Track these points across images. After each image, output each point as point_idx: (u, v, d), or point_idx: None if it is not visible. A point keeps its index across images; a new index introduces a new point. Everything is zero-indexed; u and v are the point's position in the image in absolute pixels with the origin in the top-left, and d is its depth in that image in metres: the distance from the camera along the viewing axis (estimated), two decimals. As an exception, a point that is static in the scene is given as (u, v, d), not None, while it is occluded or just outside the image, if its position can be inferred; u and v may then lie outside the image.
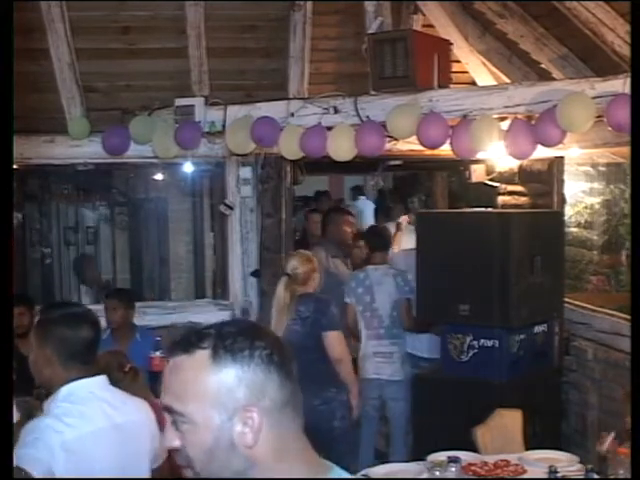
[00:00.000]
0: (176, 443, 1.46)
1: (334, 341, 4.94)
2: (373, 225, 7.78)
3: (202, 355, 1.45)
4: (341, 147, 5.48)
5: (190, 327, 1.61)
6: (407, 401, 5.75)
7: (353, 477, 1.63)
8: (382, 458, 5.80)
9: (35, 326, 2.78)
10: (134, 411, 2.84)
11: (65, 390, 2.68)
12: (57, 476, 2.50)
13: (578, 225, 6.75)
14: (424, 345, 6.04)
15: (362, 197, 11.39)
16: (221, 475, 1.44)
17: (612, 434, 3.73)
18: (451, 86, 5.60)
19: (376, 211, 10.07)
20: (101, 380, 2.79)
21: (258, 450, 1.44)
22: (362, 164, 6.94)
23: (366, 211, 10.70)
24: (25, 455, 2.44)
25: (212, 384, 1.43)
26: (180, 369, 1.46)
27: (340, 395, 4.99)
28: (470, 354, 5.32)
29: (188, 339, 1.48)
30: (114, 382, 3.02)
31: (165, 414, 1.49)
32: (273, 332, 1.62)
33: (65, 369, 2.70)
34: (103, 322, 5.46)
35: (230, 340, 1.45)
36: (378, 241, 6.30)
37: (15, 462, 2.40)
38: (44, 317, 2.79)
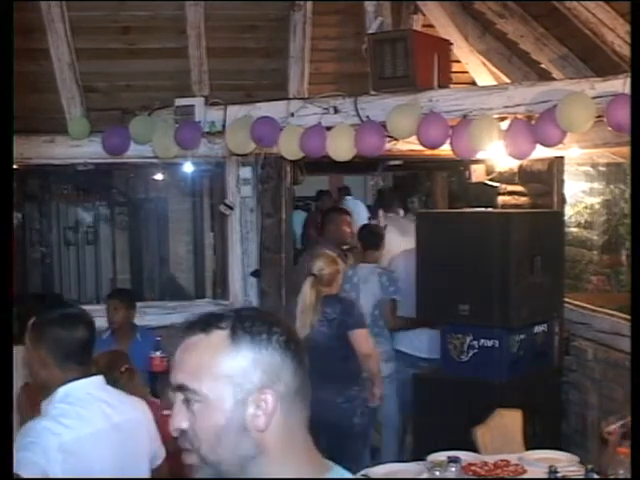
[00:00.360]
0: (184, 424, 1.45)
1: (362, 338, 5.11)
2: (366, 224, 7.78)
3: (220, 335, 1.45)
4: (341, 147, 5.48)
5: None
6: (395, 400, 5.71)
7: (354, 477, 1.62)
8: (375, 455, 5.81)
9: (29, 328, 2.76)
10: (132, 410, 2.85)
11: (62, 391, 2.67)
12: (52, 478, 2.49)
13: (578, 225, 6.75)
14: (424, 345, 6.04)
15: (349, 197, 11.39)
16: (228, 461, 1.43)
17: (621, 422, 3.73)
18: (451, 86, 5.60)
19: (371, 210, 10.11)
20: (98, 380, 2.79)
21: (267, 436, 1.44)
22: (362, 164, 6.94)
23: (354, 211, 10.67)
24: (21, 458, 2.43)
25: (228, 364, 1.43)
26: (197, 348, 1.46)
27: (362, 393, 5.14)
28: (470, 354, 5.32)
29: (206, 319, 1.48)
30: (112, 382, 3.02)
31: (176, 394, 1.47)
32: (288, 323, 1.62)
33: (61, 370, 2.70)
34: (104, 322, 5.47)
35: (249, 323, 1.46)
36: (369, 239, 6.42)
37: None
38: (38, 318, 2.77)
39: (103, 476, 2.65)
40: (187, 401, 1.45)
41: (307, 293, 5.10)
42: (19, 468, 2.40)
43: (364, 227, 7.02)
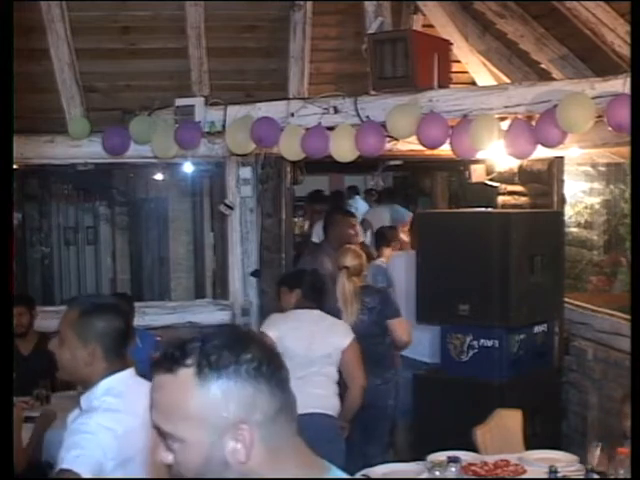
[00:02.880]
0: (169, 459, 1.43)
1: (401, 326, 5.43)
2: (383, 226, 7.84)
3: (186, 374, 1.40)
4: (343, 148, 5.48)
5: (176, 340, 1.55)
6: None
7: (351, 477, 1.61)
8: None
9: (72, 323, 2.70)
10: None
11: (105, 384, 2.64)
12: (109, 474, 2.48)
13: (578, 225, 6.75)
14: (426, 350, 6.01)
15: (357, 197, 11.38)
16: None
17: (599, 445, 3.74)
18: (451, 86, 5.60)
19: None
20: (131, 372, 2.75)
21: (251, 464, 1.41)
22: (362, 164, 6.95)
23: (361, 211, 10.68)
24: (76, 456, 2.42)
25: (199, 403, 1.39)
26: (165, 389, 1.42)
27: (396, 376, 5.52)
28: (470, 354, 5.32)
29: (172, 357, 1.42)
30: None
31: (155, 432, 1.45)
32: (262, 340, 1.57)
33: (108, 363, 2.66)
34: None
35: (215, 356, 1.40)
36: (380, 240, 6.92)
37: (60, 465, 2.41)
38: (81, 313, 2.70)
39: (141, 467, 2.60)
40: (164, 439, 1.43)
41: (345, 285, 5.30)
42: (76, 465, 2.39)
43: (380, 229, 7.38)
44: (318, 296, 4.85)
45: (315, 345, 4.64)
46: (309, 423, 4.40)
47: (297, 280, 4.95)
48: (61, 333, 2.74)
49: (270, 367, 1.44)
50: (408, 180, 12.04)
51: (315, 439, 4.09)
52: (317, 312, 4.78)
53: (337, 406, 4.68)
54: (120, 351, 2.72)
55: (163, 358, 1.44)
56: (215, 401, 1.39)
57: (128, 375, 2.72)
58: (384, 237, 7.03)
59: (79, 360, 2.68)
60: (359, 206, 10.95)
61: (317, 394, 4.53)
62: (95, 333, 2.66)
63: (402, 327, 5.44)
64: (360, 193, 11.70)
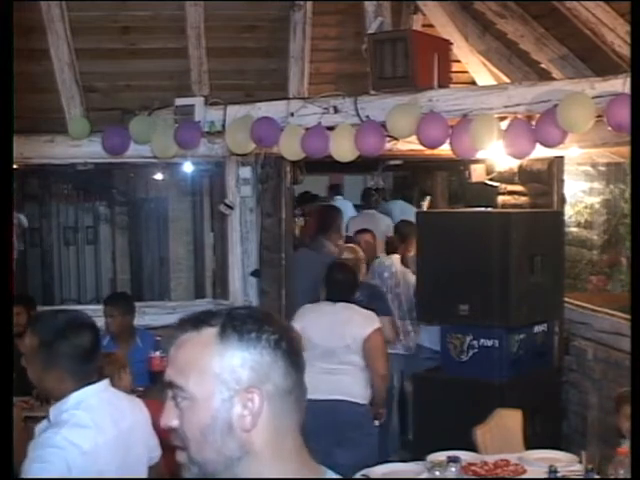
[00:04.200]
0: (174, 422, 1.44)
1: (387, 325, 5.42)
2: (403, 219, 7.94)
3: (209, 332, 1.44)
4: (343, 147, 5.47)
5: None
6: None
7: (349, 478, 1.60)
8: None
9: (33, 351, 2.65)
10: (132, 411, 2.84)
11: (76, 397, 2.62)
12: None
13: (578, 225, 6.75)
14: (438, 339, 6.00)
15: (339, 197, 11.39)
16: (213, 461, 1.42)
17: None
18: (451, 86, 5.60)
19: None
20: (105, 384, 2.76)
21: (254, 436, 1.41)
22: (362, 164, 6.95)
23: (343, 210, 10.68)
24: (40, 469, 2.40)
25: (216, 362, 1.42)
26: (186, 345, 1.45)
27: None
28: (470, 354, 5.32)
29: (198, 316, 1.47)
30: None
31: (166, 391, 1.47)
32: (285, 322, 1.61)
33: (77, 380, 2.64)
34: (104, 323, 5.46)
35: (239, 321, 1.44)
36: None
37: (23, 477, 2.39)
38: (41, 342, 2.63)
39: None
40: (175, 398, 1.45)
41: None
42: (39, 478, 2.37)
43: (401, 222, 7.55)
44: (344, 291, 5.03)
45: (333, 336, 4.83)
46: (333, 409, 4.66)
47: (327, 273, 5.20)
48: (25, 356, 2.70)
49: (290, 345, 1.46)
50: (408, 180, 12.02)
51: (340, 424, 4.24)
52: (341, 304, 4.97)
53: (366, 394, 4.86)
54: (89, 366, 2.68)
55: (189, 318, 1.48)
56: (232, 362, 1.41)
57: (102, 388, 2.71)
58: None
59: (46, 382, 2.66)
60: (337, 204, 10.94)
61: (342, 382, 4.75)
62: (58, 359, 2.61)
63: (388, 326, 5.46)
64: (343, 193, 11.67)
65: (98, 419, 2.62)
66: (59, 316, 2.76)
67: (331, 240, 6.63)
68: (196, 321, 1.46)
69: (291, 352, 1.46)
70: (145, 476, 2.86)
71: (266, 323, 1.46)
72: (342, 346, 4.82)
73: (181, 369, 1.44)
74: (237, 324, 1.44)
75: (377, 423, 5.06)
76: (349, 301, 5.03)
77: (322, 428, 4.34)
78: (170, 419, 1.45)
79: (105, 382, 2.78)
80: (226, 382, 1.41)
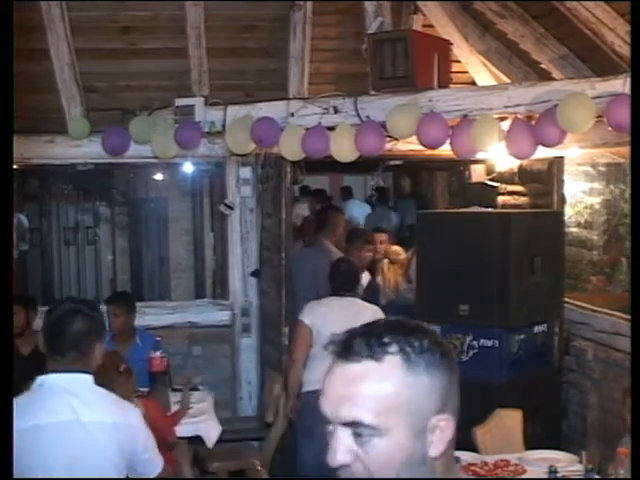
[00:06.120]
0: (349, 459, 1.33)
1: None
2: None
3: (392, 362, 1.32)
4: (343, 147, 5.47)
5: (347, 332, 1.43)
6: None
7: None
8: None
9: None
10: (114, 415, 2.77)
11: (39, 380, 2.74)
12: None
13: (578, 225, 6.74)
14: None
15: (352, 200, 11.43)
16: None
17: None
18: (451, 86, 5.60)
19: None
20: (81, 378, 2.77)
21: (439, 461, 1.35)
22: (362, 164, 6.95)
23: (354, 212, 10.74)
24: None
25: (406, 393, 1.32)
26: (368, 379, 1.32)
27: None
28: (470, 354, 5.32)
29: (368, 344, 1.33)
30: (108, 382, 3.01)
31: (339, 427, 1.34)
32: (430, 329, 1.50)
33: (49, 359, 2.79)
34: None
35: (418, 344, 1.34)
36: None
37: None
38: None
39: (53, 468, 2.64)
40: (359, 435, 1.32)
41: None
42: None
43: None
44: (350, 284, 5.23)
45: (344, 329, 4.79)
46: None
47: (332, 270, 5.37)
48: None
49: (454, 359, 1.40)
50: (408, 180, 12.03)
51: None
52: (349, 298, 5.16)
53: None
54: (64, 353, 2.79)
55: (355, 346, 1.34)
56: (421, 391, 1.33)
57: (70, 378, 2.77)
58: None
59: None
60: (349, 205, 10.99)
61: None
62: (42, 330, 2.91)
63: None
64: (354, 195, 11.72)
65: (50, 403, 2.70)
66: (61, 302, 3.01)
67: (329, 239, 6.67)
68: (369, 350, 1.33)
69: (455, 365, 1.39)
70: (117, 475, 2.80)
71: (432, 337, 1.37)
72: None
73: (367, 405, 1.32)
74: (417, 347, 1.34)
75: None
76: (354, 294, 5.24)
77: None
78: (345, 456, 1.33)
79: (85, 376, 2.77)
80: (418, 413, 1.32)
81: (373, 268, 6.78)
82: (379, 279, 6.76)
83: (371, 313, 5.08)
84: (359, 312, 5.02)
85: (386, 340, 1.34)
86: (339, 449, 1.33)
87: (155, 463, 2.92)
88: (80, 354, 2.78)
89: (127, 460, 2.79)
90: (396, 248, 7.25)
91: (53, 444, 2.66)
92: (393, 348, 1.33)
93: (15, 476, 2.48)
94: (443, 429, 1.34)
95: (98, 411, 2.74)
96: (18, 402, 2.66)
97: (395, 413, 1.31)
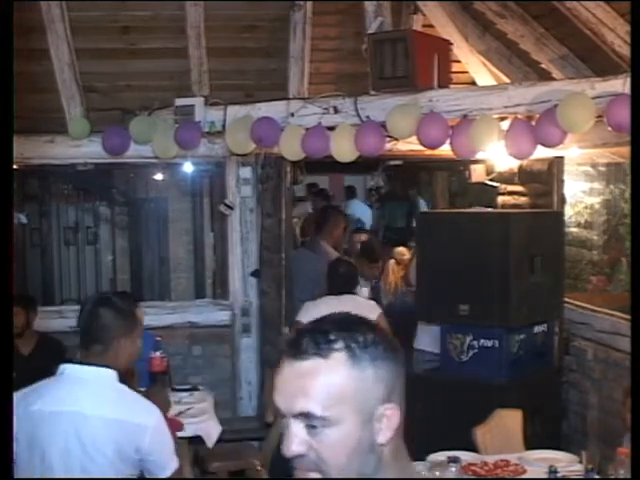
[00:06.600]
0: (303, 449, 1.41)
1: (382, 318, 5.55)
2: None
3: (338, 357, 1.41)
4: (343, 147, 5.47)
5: (299, 329, 1.54)
6: None
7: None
8: None
9: None
10: (120, 411, 2.77)
11: (61, 367, 2.78)
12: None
13: (578, 225, 6.74)
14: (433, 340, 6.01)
15: (355, 200, 11.44)
16: (353, 477, 1.42)
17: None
18: (451, 86, 5.60)
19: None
20: (103, 372, 2.78)
21: (387, 448, 1.43)
22: (362, 164, 6.95)
23: (358, 212, 10.75)
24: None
25: (353, 386, 1.41)
26: (316, 373, 1.41)
27: None
28: (470, 354, 5.32)
29: (315, 341, 1.42)
30: None
31: (292, 420, 1.42)
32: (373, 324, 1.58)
33: (79, 351, 2.86)
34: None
35: (362, 337, 1.43)
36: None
37: None
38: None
39: (49, 454, 2.70)
40: (311, 427, 1.41)
41: None
42: None
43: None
44: (349, 286, 5.36)
45: None
46: None
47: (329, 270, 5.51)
48: None
49: (398, 349, 1.48)
50: (408, 180, 12.03)
51: None
52: (346, 295, 5.31)
53: None
54: (85, 344, 2.86)
55: (304, 343, 1.43)
56: (367, 382, 1.41)
57: (87, 370, 2.83)
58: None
59: None
60: (351, 205, 11.00)
61: None
62: None
63: (382, 319, 5.64)
64: (357, 194, 11.73)
65: (58, 390, 2.74)
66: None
67: (326, 240, 6.72)
68: (317, 347, 1.42)
69: (401, 356, 1.48)
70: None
71: (375, 331, 1.46)
72: None
73: (316, 398, 1.40)
74: (361, 342, 1.42)
75: None
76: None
77: None
78: (299, 446, 1.41)
79: (108, 371, 2.79)
80: (365, 403, 1.41)
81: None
82: (382, 280, 6.88)
83: (367, 306, 5.24)
84: (356, 306, 5.03)
85: (332, 337, 1.42)
86: (293, 440, 1.41)
87: (161, 467, 2.87)
88: (103, 348, 2.81)
89: (127, 458, 2.76)
90: (402, 249, 7.30)
91: (51, 431, 2.70)
92: (339, 344, 1.41)
93: (15, 453, 2.61)
94: (390, 417, 1.42)
95: (102, 406, 2.74)
96: (37, 385, 2.76)
97: (343, 404, 1.40)
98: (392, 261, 7.15)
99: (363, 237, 7.36)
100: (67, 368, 2.78)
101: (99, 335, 2.81)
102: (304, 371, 1.41)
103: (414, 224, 9.58)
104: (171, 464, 2.88)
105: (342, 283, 5.32)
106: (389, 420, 1.42)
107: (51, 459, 2.70)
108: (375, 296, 6.35)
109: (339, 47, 6.41)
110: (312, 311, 5.16)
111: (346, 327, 1.45)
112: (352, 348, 1.41)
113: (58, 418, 2.70)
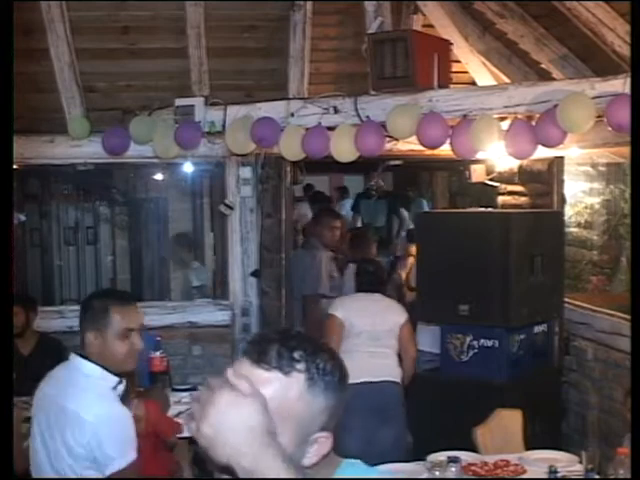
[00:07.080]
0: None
1: None
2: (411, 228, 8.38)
3: (297, 378, 1.44)
4: (343, 147, 5.47)
5: (262, 334, 1.55)
6: None
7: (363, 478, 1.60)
8: None
9: None
10: (74, 403, 2.83)
11: (72, 355, 2.97)
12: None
13: (578, 225, 6.75)
14: (433, 341, 6.02)
15: (347, 199, 11.45)
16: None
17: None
18: (451, 86, 5.59)
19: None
20: (78, 362, 2.91)
21: (308, 471, 1.45)
22: (362, 164, 6.96)
23: (349, 212, 10.79)
24: None
25: (301, 408, 1.43)
26: (272, 385, 1.43)
27: None
28: (470, 354, 5.32)
29: (279, 355, 1.44)
30: None
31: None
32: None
33: None
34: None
35: (322, 364, 1.46)
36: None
37: None
38: None
39: (39, 433, 2.91)
40: None
41: None
42: None
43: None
44: (376, 281, 5.49)
45: (378, 322, 5.27)
46: (382, 389, 5.14)
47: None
48: None
49: (345, 379, 1.51)
50: (408, 180, 12.04)
51: (387, 403, 4.89)
52: (377, 295, 5.44)
53: (400, 374, 5.30)
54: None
55: (269, 354, 1.44)
56: (314, 409, 1.44)
57: (92, 367, 2.94)
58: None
59: None
60: (345, 206, 11.02)
61: (386, 364, 5.21)
62: None
63: None
64: (350, 195, 11.74)
65: (56, 380, 2.94)
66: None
67: (320, 241, 6.76)
68: (280, 361, 1.44)
69: (347, 380, 1.51)
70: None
71: (335, 360, 1.49)
72: (386, 330, 5.25)
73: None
74: (321, 369, 1.45)
75: None
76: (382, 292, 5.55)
77: (373, 408, 4.94)
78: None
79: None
80: (306, 427, 1.43)
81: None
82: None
83: (398, 307, 5.46)
84: (388, 307, 5.39)
85: (296, 356, 1.44)
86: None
87: (107, 462, 2.81)
88: (80, 339, 2.94)
89: (71, 447, 2.80)
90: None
91: (41, 412, 2.95)
92: (301, 366, 1.44)
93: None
94: (321, 444, 1.45)
95: (68, 396, 2.86)
96: (55, 369, 3.00)
97: (286, 423, 1.41)
98: (411, 259, 7.25)
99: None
100: (71, 355, 2.97)
101: (80, 327, 2.96)
102: (262, 379, 1.42)
103: (395, 223, 9.74)
104: (122, 458, 2.83)
105: (369, 282, 5.45)
106: (320, 447, 1.44)
107: (35, 434, 2.94)
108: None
109: (339, 47, 6.41)
110: (347, 305, 5.40)
111: (311, 350, 1.47)
112: (312, 373, 1.44)
113: (47, 400, 2.93)
